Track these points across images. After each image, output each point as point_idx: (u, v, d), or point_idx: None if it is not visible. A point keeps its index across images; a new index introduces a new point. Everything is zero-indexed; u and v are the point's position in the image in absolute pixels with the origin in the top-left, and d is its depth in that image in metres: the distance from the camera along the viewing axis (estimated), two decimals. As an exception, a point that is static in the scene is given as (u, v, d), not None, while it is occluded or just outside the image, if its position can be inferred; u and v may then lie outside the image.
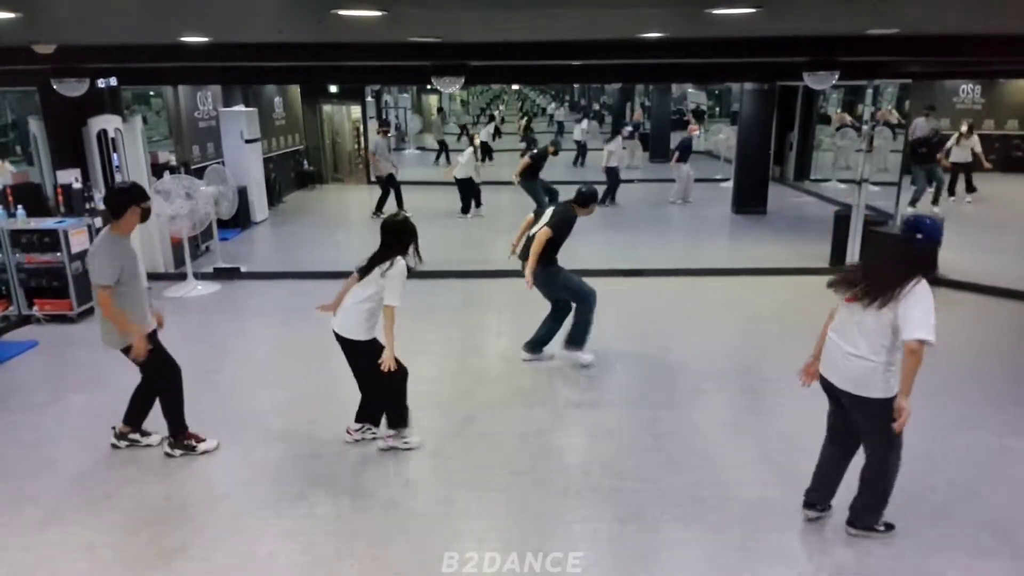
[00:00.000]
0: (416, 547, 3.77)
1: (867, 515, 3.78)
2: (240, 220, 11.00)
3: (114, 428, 4.74)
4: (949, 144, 12.93)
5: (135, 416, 4.72)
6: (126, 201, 4.24)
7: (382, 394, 4.68)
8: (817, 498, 3.92)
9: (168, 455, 4.62)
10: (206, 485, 4.42)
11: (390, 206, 12.16)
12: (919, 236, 3.51)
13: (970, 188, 13.45)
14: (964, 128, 13.30)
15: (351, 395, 4.73)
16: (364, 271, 4.41)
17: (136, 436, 4.74)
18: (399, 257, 4.36)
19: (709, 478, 4.36)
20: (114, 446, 4.72)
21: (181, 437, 4.65)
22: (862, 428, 3.66)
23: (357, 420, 4.83)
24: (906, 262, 3.47)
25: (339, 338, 4.51)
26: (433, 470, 4.56)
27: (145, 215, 4.35)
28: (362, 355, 4.52)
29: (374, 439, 4.80)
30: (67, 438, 4.95)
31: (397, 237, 4.41)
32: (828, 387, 3.70)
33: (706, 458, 4.59)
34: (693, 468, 4.45)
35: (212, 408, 5.24)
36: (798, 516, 3.95)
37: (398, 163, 13.28)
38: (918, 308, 3.30)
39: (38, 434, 4.99)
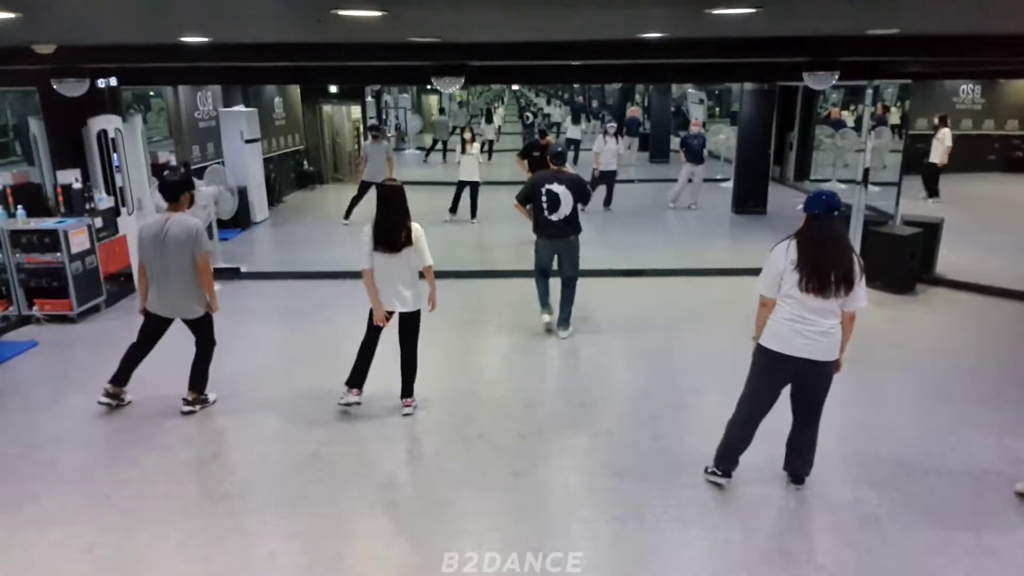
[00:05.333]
0: (416, 547, 3.77)
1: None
2: (240, 220, 11.00)
3: (184, 399, 5.20)
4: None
5: (198, 382, 5.30)
6: (181, 189, 5.09)
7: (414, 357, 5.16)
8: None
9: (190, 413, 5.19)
10: (206, 485, 4.42)
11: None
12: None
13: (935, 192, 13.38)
14: (935, 120, 13.28)
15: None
16: (393, 246, 4.78)
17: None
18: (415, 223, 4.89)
19: (709, 478, 4.36)
20: (188, 412, 5.17)
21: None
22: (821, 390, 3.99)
23: (405, 396, 5.21)
24: None
25: (405, 316, 4.97)
26: (433, 470, 4.56)
27: (191, 200, 5.22)
28: (418, 322, 5.04)
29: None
30: (67, 438, 4.96)
31: (401, 199, 4.84)
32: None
33: (706, 458, 4.58)
34: (693, 468, 4.45)
35: (212, 408, 5.29)
36: (799, 516, 3.96)
37: (397, 164, 13.13)
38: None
39: (38, 434, 4.99)
